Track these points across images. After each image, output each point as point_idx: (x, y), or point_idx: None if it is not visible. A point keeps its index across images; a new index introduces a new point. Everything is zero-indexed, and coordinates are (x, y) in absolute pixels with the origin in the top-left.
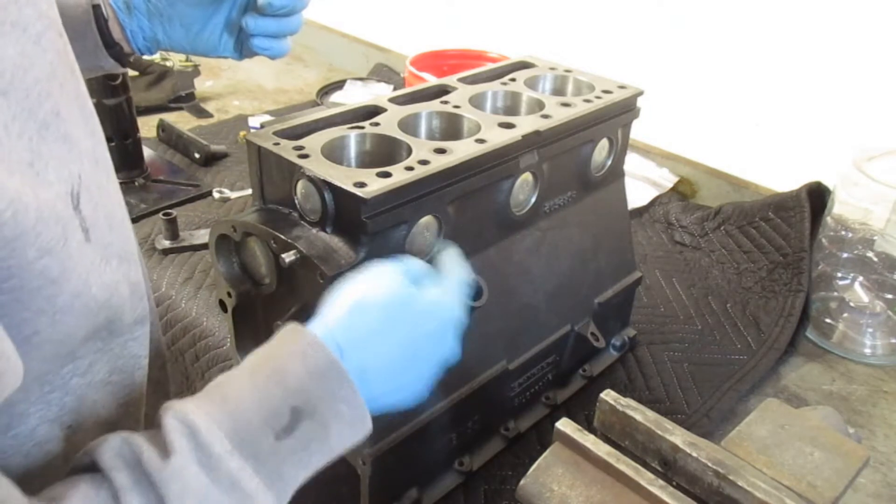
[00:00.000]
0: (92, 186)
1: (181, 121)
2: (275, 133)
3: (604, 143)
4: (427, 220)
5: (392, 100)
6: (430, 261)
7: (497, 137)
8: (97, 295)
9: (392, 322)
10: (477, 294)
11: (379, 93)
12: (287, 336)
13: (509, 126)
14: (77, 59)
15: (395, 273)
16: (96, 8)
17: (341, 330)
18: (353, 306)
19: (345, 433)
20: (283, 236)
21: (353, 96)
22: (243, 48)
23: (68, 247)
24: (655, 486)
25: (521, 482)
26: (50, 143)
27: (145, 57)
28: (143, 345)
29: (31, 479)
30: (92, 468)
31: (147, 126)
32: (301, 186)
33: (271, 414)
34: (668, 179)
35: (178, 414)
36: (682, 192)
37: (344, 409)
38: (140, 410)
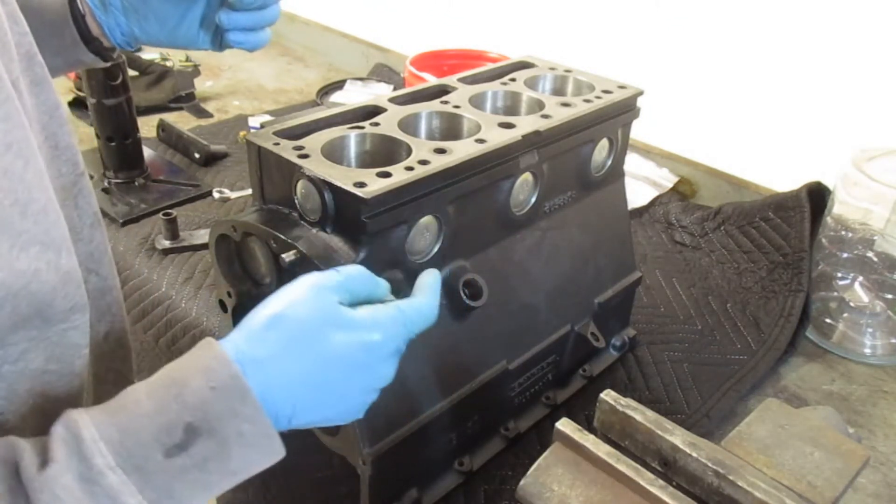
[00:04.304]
0: None
1: (181, 121)
2: (275, 133)
3: (604, 143)
4: (427, 220)
5: (392, 100)
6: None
7: (497, 137)
8: (8, 282)
9: (308, 340)
10: (476, 294)
11: (379, 93)
12: (197, 349)
13: (509, 126)
14: (57, 54)
15: (324, 288)
16: (72, 4)
17: (253, 345)
18: (270, 321)
19: (248, 455)
20: (283, 236)
21: (353, 96)
22: (222, 41)
23: None
24: (655, 486)
25: (521, 482)
26: None
27: (145, 56)
28: (84, 333)
29: None
30: None
31: (147, 126)
32: (301, 186)
33: (163, 429)
34: (668, 179)
35: (68, 423)
36: (682, 192)
37: (246, 429)
38: (80, 400)
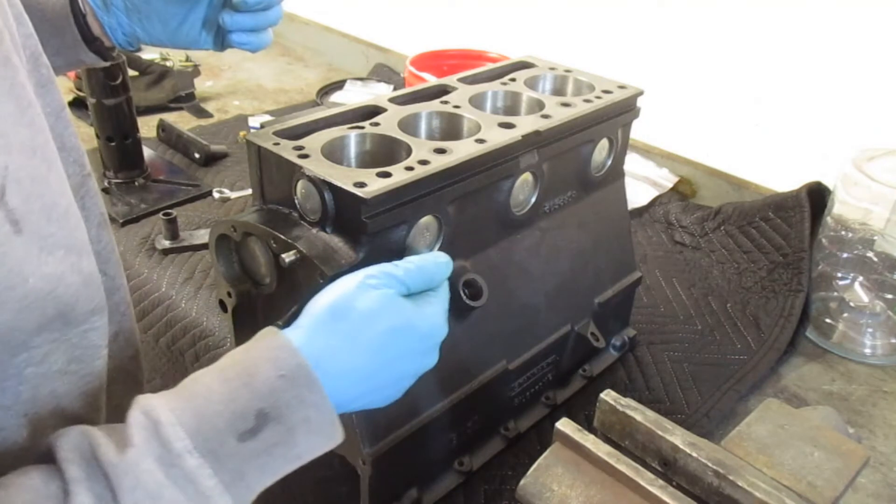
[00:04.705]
0: (24, 178)
1: (181, 121)
2: (275, 133)
3: (604, 143)
4: (427, 220)
5: (392, 100)
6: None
7: (497, 137)
8: (37, 286)
9: (368, 330)
10: (477, 294)
11: (379, 93)
12: (262, 338)
13: (509, 126)
14: (57, 53)
15: (385, 280)
16: (74, 4)
17: (318, 335)
18: (332, 312)
19: (312, 440)
20: (283, 236)
21: (353, 96)
22: (224, 42)
23: None
24: (655, 486)
25: (521, 482)
26: None
27: (145, 56)
28: (103, 334)
29: None
30: (49, 459)
31: (147, 126)
32: (301, 186)
33: (236, 415)
34: (668, 179)
35: (144, 408)
36: (682, 192)
37: (312, 415)
38: (100, 399)
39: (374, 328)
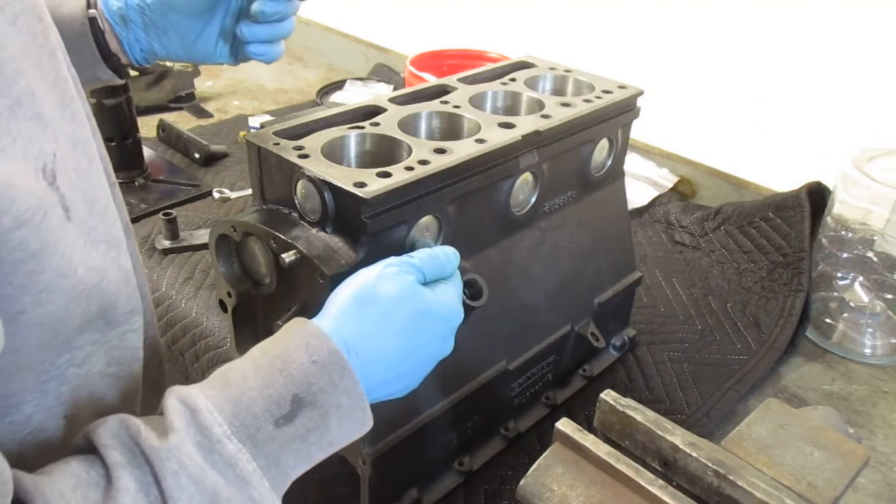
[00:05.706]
0: (69, 168)
1: (181, 121)
2: (275, 133)
3: (604, 143)
4: (427, 220)
5: (392, 100)
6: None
7: (497, 137)
8: (84, 278)
9: (396, 317)
10: (477, 294)
11: (379, 93)
12: (292, 328)
13: (509, 126)
14: (76, 70)
15: (402, 271)
16: (92, 21)
17: (346, 323)
18: (359, 299)
19: (344, 426)
20: (283, 236)
21: (353, 96)
22: (238, 54)
23: (47, 221)
24: (655, 486)
25: (521, 482)
26: (21, 120)
27: None
28: (140, 336)
29: (26, 468)
30: (89, 449)
31: (147, 126)
32: (301, 186)
33: (272, 401)
34: (668, 179)
35: (180, 396)
36: (682, 192)
37: (344, 401)
38: (137, 402)
39: (400, 313)
